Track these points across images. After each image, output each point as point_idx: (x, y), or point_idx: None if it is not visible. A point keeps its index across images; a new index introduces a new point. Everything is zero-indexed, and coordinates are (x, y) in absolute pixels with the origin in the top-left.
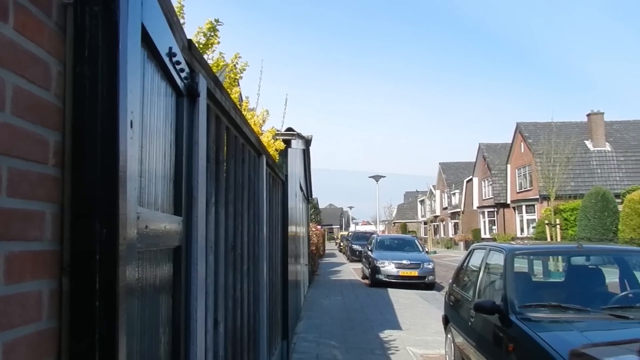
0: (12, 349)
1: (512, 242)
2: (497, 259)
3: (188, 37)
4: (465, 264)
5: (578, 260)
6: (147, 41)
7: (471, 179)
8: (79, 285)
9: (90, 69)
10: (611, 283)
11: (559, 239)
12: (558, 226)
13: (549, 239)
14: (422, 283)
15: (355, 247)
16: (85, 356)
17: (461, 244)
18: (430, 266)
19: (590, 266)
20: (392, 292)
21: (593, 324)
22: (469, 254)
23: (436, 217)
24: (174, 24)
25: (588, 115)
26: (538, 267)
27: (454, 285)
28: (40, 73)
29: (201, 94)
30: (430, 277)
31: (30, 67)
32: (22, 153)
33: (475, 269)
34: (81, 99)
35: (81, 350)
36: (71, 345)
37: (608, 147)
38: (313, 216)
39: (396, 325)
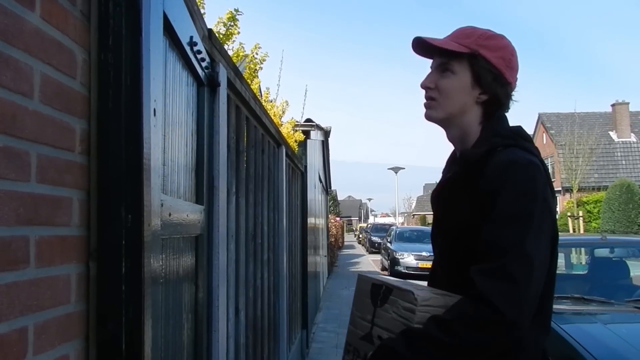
0: (43, 330)
1: None
2: None
3: (208, 26)
4: None
5: (602, 252)
6: (168, 30)
7: None
8: (106, 269)
9: (114, 57)
10: (636, 276)
11: (581, 232)
12: (581, 218)
13: (571, 232)
14: None
15: (374, 239)
16: (113, 339)
17: None
18: None
19: (614, 258)
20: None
21: (617, 317)
22: None
23: None
24: (195, 13)
25: (612, 105)
26: (560, 259)
27: None
28: (66, 61)
29: (222, 84)
30: None
31: (56, 55)
32: (50, 140)
33: None
34: (106, 87)
35: (108, 333)
36: (99, 327)
37: (633, 138)
38: (332, 208)
39: None
